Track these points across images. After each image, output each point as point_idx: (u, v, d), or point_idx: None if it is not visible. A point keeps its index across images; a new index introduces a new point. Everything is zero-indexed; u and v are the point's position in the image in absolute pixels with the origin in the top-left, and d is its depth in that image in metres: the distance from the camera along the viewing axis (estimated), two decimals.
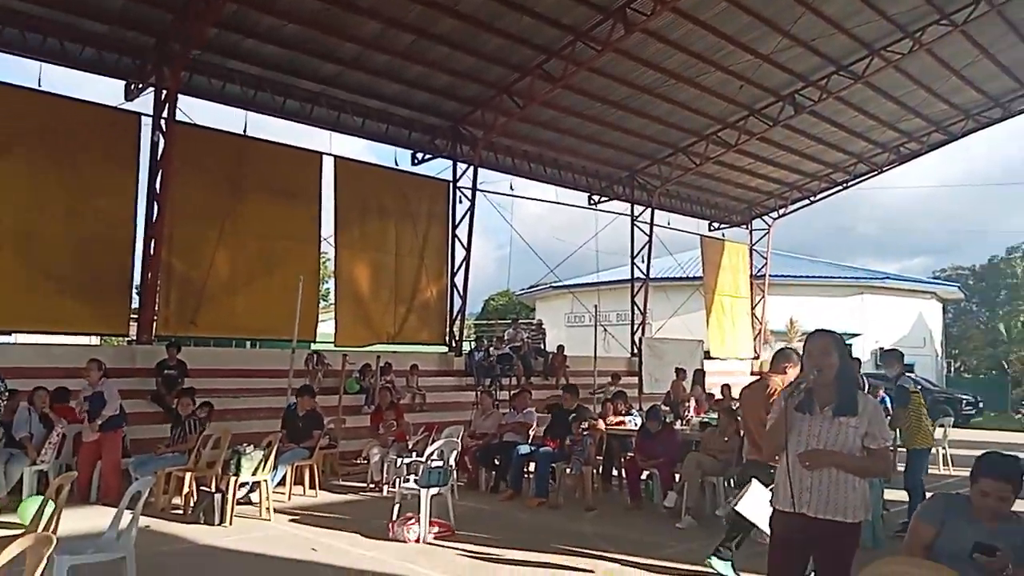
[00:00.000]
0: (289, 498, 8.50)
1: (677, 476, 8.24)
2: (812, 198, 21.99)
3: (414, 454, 8.92)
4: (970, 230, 64.80)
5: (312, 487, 8.89)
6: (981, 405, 21.45)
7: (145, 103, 11.60)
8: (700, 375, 14.61)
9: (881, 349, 13.43)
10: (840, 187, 21.57)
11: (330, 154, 13.74)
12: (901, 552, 3.54)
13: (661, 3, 12.00)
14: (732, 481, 7.76)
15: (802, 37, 13.99)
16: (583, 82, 14.35)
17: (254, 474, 7.55)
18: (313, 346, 13.67)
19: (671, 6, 12.14)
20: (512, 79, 14.00)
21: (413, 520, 6.83)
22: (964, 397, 20.94)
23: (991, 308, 36.19)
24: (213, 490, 7.43)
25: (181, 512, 7.62)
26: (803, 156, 19.39)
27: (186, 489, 7.71)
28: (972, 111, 18.46)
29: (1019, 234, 62.42)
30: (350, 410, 12.01)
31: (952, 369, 33.00)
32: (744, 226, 22.92)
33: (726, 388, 12.45)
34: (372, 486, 9.36)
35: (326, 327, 16.33)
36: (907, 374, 8.04)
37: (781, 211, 22.52)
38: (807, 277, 27.81)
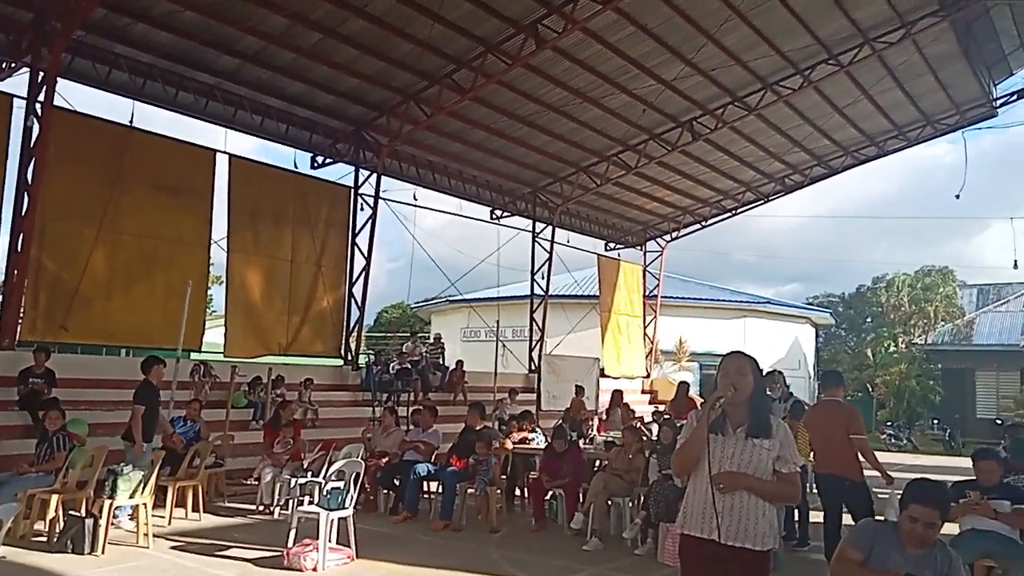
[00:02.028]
0: (170, 522, 7.82)
1: (583, 496, 8.16)
2: (704, 223, 22.78)
3: (310, 474, 8.46)
4: (838, 260, 69.54)
5: (196, 509, 8.24)
6: None
7: (18, 84, 10.58)
8: (619, 395, 14.49)
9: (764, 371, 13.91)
10: (729, 214, 22.45)
11: (224, 152, 12.97)
12: (831, 573, 3.54)
13: (572, 22, 12.09)
14: (639, 501, 7.76)
15: (702, 66, 14.46)
16: (492, 95, 14.26)
17: (132, 496, 6.88)
18: (198, 356, 12.80)
19: (581, 25, 12.26)
20: (420, 87, 13.72)
21: (311, 546, 6.39)
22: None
23: (858, 334, 38.79)
24: (83, 514, 6.71)
25: (45, 540, 6.82)
26: (697, 182, 20.06)
27: (51, 514, 6.93)
28: (850, 148, 19.67)
29: (883, 265, 67.36)
30: (237, 425, 11.31)
31: (823, 390, 35.05)
32: (639, 247, 23.47)
33: (617, 393, 12.58)
34: (262, 508, 8.77)
35: (212, 336, 15.41)
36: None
37: (674, 234, 23.22)
38: (695, 299, 28.77)
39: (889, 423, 25.35)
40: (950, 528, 5.29)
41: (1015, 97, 18.14)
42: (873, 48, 14.51)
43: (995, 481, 5.67)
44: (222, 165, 12.83)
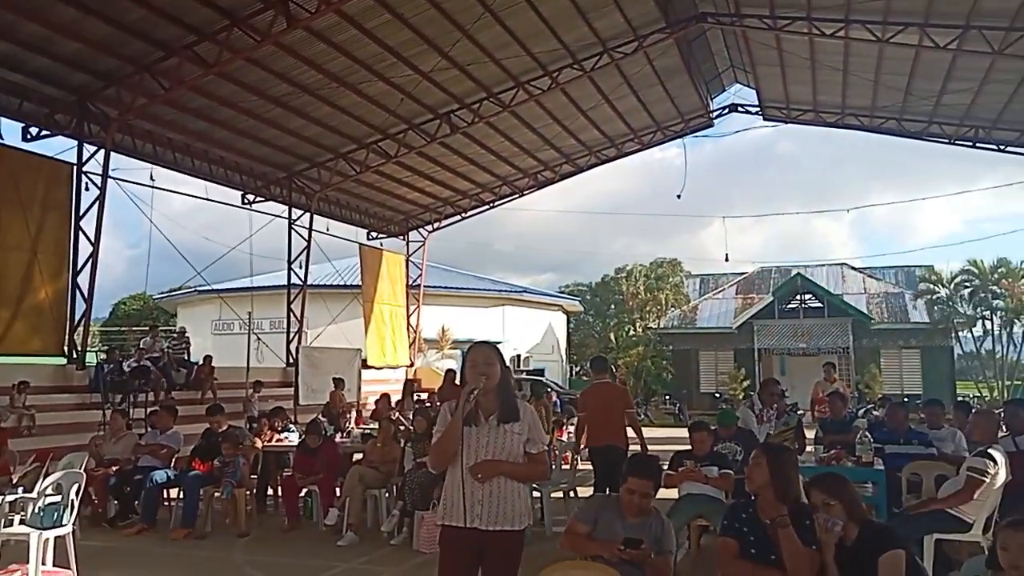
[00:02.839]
0: None
1: (339, 491, 7.99)
2: (464, 214, 23.32)
3: (21, 489, 7.39)
4: (587, 251, 75.10)
5: None
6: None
7: None
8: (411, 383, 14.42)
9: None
10: (487, 206, 23.21)
11: None
12: (560, 547, 3.78)
13: (326, 3, 11.67)
14: (395, 490, 7.77)
15: (459, 60, 14.72)
16: (240, 72, 13.36)
17: None
18: None
19: (335, 7, 11.85)
20: (156, 57, 12.44)
21: (19, 572, 5.59)
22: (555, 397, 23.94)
23: (603, 320, 42.07)
24: None
25: None
26: (456, 174, 20.47)
27: None
28: (594, 148, 21.23)
29: (623, 256, 74.02)
30: None
31: (574, 372, 37.64)
32: (401, 237, 23.47)
33: (385, 397, 12.50)
34: None
35: None
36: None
37: (436, 225, 23.51)
38: (456, 288, 29.48)
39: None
40: (673, 494, 5.95)
41: (727, 110, 20.75)
42: (611, 57, 15.73)
43: (707, 450, 6.45)
44: None
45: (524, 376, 23.96)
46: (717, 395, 28.24)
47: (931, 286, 28.65)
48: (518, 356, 29.49)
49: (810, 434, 8.82)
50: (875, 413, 15.12)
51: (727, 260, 26.74)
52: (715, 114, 20.83)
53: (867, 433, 6.85)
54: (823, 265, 33.97)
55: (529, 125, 18.29)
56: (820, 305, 29.68)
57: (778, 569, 3.28)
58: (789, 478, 3.46)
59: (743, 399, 25.10)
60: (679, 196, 20.57)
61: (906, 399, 18.97)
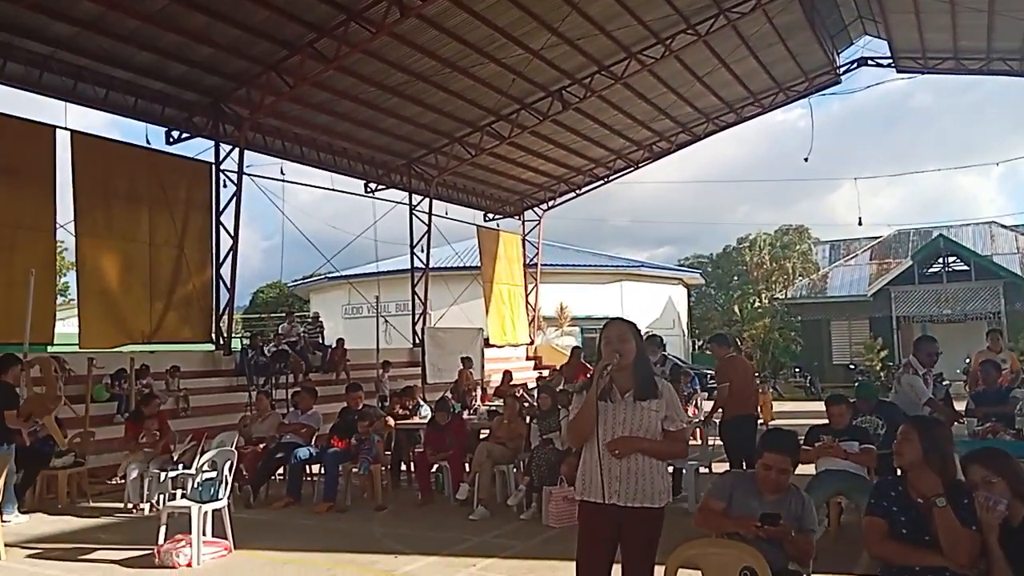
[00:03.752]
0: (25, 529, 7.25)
1: (468, 467, 8.20)
2: (577, 191, 23.19)
3: (181, 466, 8.05)
4: (706, 222, 72.94)
5: (54, 513, 7.68)
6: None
7: None
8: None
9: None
10: (602, 181, 22.96)
11: (65, 128, 11.91)
12: (695, 524, 3.71)
13: None
14: (523, 466, 7.88)
15: (568, 36, 14.57)
16: (357, 65, 13.82)
17: None
18: (52, 349, 11.84)
19: None
20: (280, 56, 13.08)
21: (183, 542, 6.09)
22: (709, 372, 23.37)
23: (726, 292, 40.87)
24: None
25: None
26: (569, 151, 20.35)
27: None
28: (712, 115, 20.50)
29: (746, 226, 71.39)
30: (99, 420, 10.61)
31: (695, 347, 36.84)
32: (517, 217, 23.64)
33: (508, 374, 12.69)
34: (131, 507, 8.27)
35: (65, 326, 14.32)
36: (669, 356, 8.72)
37: (550, 203, 23.51)
38: (573, 266, 29.42)
39: (757, 374, 27.02)
40: (808, 470, 5.71)
41: (855, 65, 19.46)
42: (727, 18, 15.08)
43: (845, 424, 6.13)
44: (64, 143, 11.80)
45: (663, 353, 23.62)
46: (851, 366, 26.81)
47: None
48: (652, 336, 29.11)
49: (959, 407, 8.23)
50: None
51: (860, 224, 25.16)
52: (842, 70, 19.60)
53: None
54: (968, 224, 31.45)
55: (642, 96, 17.88)
56: (966, 268, 27.53)
57: (933, 551, 3.07)
58: (944, 453, 3.22)
59: (881, 370, 23.74)
60: (806, 159, 19.55)
61: None
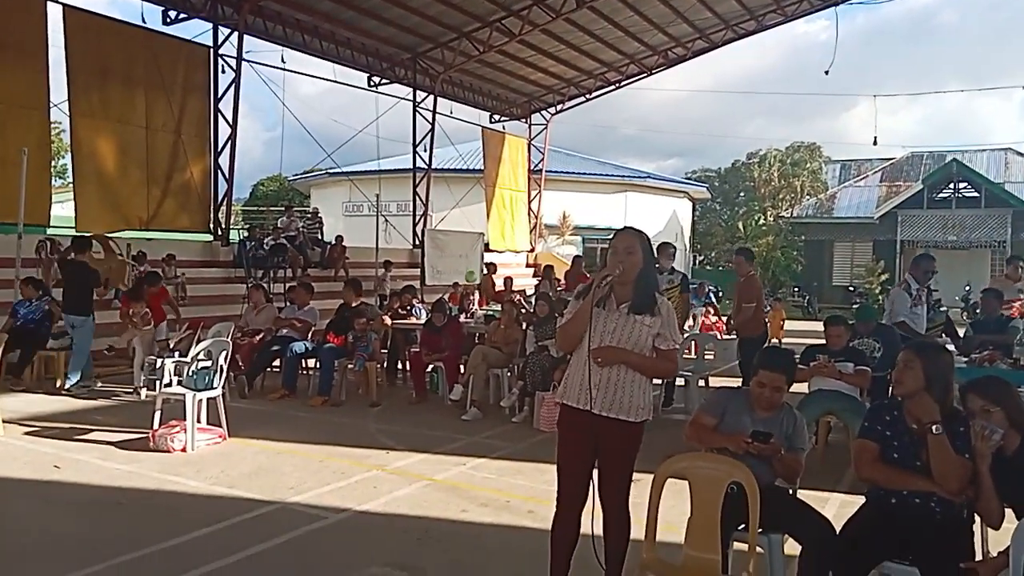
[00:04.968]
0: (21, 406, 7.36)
1: (463, 369, 8.25)
2: (588, 95, 22.54)
3: (177, 354, 8.09)
4: (717, 135, 71.58)
5: (52, 393, 7.78)
6: (720, 294, 24.20)
7: None
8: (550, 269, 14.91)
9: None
10: (613, 87, 22.29)
11: (57, 1, 11.42)
12: (685, 439, 3.70)
13: None
14: (517, 370, 7.93)
15: None
16: None
17: None
18: (49, 232, 11.75)
19: None
20: None
21: (179, 427, 6.17)
22: (710, 287, 23.39)
23: (732, 208, 40.51)
24: None
25: None
26: (581, 52, 19.64)
27: None
28: (731, 21, 19.65)
29: (757, 141, 69.98)
30: (97, 304, 10.60)
31: (697, 262, 36.82)
32: (523, 120, 23.09)
33: (508, 280, 12.67)
34: (132, 391, 8.36)
35: (63, 210, 14.20)
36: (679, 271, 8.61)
37: (559, 107, 22.91)
38: (578, 174, 28.99)
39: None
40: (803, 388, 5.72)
41: None
42: None
43: (842, 345, 6.11)
44: (56, 18, 11.33)
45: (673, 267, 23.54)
46: (851, 288, 26.88)
47: None
48: (666, 244, 28.97)
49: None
50: None
51: (875, 144, 24.60)
52: None
53: None
54: (984, 150, 30.85)
55: None
56: (976, 195, 27.18)
57: (923, 476, 3.06)
58: (947, 382, 3.17)
59: (880, 292, 23.77)
60: (827, 72, 18.82)
61: None
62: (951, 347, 7.44)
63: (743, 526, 3.15)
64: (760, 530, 3.12)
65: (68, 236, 11.52)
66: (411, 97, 18.87)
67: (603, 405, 3.22)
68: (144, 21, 13.03)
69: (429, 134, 19.30)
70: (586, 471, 3.31)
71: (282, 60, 15.48)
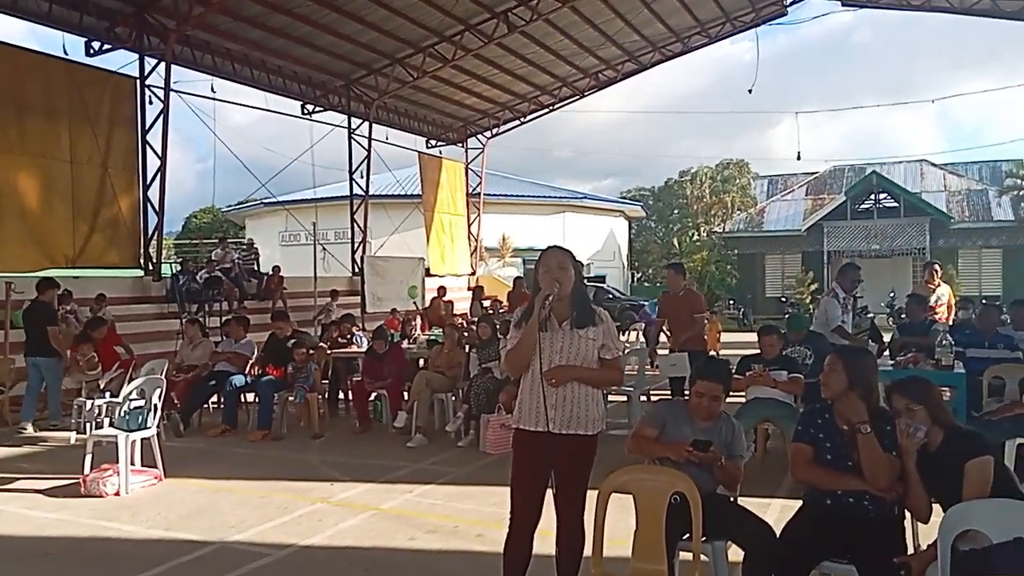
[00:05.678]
0: None
1: (406, 395, 8.18)
2: (523, 119, 22.79)
3: (108, 394, 7.82)
4: (649, 155, 73.26)
5: None
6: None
7: None
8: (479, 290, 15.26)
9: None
10: (547, 110, 22.59)
11: None
12: (627, 451, 3.75)
13: None
14: (461, 394, 7.90)
15: None
16: None
17: None
18: None
19: None
20: None
21: (111, 471, 5.94)
22: (645, 303, 23.77)
23: (667, 225, 41.29)
24: None
25: None
26: (515, 76, 19.89)
27: None
28: (658, 44, 20.21)
29: (687, 159, 71.83)
30: (19, 348, 10.15)
31: (635, 279, 37.39)
32: (460, 144, 23.19)
33: (449, 304, 12.66)
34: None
35: None
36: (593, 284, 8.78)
37: (494, 130, 23.08)
38: (516, 196, 29.24)
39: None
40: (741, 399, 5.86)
41: None
42: None
43: (775, 354, 6.29)
44: None
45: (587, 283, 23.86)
46: (783, 299, 27.70)
47: (1019, 181, 27.00)
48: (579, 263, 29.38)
49: (886, 338, 8.55)
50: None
51: (799, 159, 25.48)
52: (788, 1, 19.50)
53: (948, 336, 6.55)
54: (901, 162, 32.34)
55: (590, 21, 17.46)
56: (896, 205, 28.43)
57: (855, 476, 3.17)
58: (870, 383, 3.30)
59: (811, 303, 24.55)
60: (750, 91, 19.55)
61: (983, 301, 18.23)
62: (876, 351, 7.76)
63: (687, 535, 3.20)
64: (704, 538, 3.17)
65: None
66: (346, 124, 18.77)
67: (561, 423, 3.26)
68: (66, 53, 12.66)
69: (365, 161, 19.19)
70: (541, 490, 3.33)
71: (212, 89, 15.22)
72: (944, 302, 9.26)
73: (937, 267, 9.82)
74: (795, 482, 3.47)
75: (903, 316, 9.04)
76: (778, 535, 3.30)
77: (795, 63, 76.14)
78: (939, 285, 9.40)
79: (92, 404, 7.48)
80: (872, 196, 29.14)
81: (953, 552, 2.73)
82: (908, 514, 3.23)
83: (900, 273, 26.86)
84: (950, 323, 8.44)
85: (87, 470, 6.00)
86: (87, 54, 13.02)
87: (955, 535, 2.74)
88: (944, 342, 6.36)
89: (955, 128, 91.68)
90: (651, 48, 20.25)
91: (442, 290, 15.79)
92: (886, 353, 7.66)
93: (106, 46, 13.09)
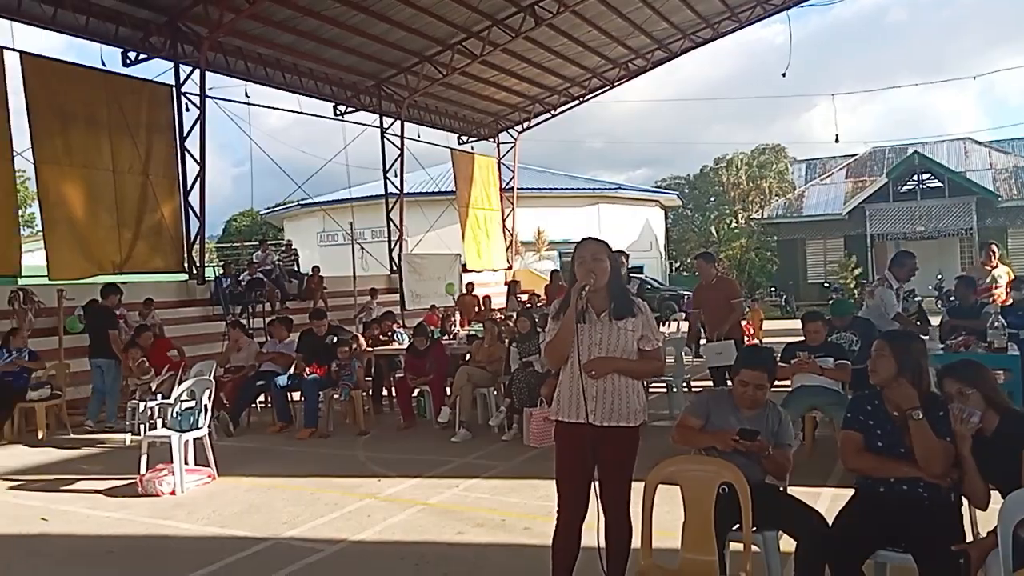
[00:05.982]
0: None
1: (449, 391, 8.25)
2: (553, 112, 22.72)
3: (159, 396, 8.02)
4: (683, 142, 72.51)
5: (34, 445, 7.66)
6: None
7: None
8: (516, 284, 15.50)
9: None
10: (577, 101, 22.48)
11: (13, 49, 11.33)
12: (672, 441, 3.74)
13: None
14: (503, 388, 7.94)
15: None
16: None
17: None
18: (22, 282, 11.59)
19: None
20: None
21: (166, 470, 6.10)
22: (686, 293, 23.56)
23: (703, 213, 40.84)
24: None
25: None
26: (544, 69, 19.83)
27: None
28: (688, 31, 19.94)
29: (723, 146, 70.89)
30: (74, 352, 10.47)
31: (673, 269, 37.07)
32: (491, 139, 23.21)
33: (487, 299, 12.71)
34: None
35: (33, 258, 14.04)
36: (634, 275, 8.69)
37: (525, 124, 23.05)
38: (549, 189, 29.20)
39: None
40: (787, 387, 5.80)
41: None
42: None
43: (821, 340, 6.18)
44: (14, 66, 11.24)
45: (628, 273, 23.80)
46: (826, 285, 27.22)
47: None
48: (619, 252, 29.25)
49: (934, 322, 8.36)
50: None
51: (837, 141, 25.01)
52: None
53: (1000, 318, 6.38)
54: (943, 141, 31.52)
55: (617, 10, 17.30)
56: (940, 184, 27.73)
57: (907, 462, 3.12)
58: (919, 368, 3.24)
59: (855, 287, 24.09)
60: (784, 74, 19.22)
61: None
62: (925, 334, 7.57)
63: (737, 526, 3.18)
64: (754, 528, 3.15)
65: (41, 285, 11.45)
66: (378, 124, 18.93)
67: (602, 415, 3.25)
68: (104, 64, 12.99)
69: (399, 159, 19.34)
70: (587, 482, 3.32)
71: (246, 94, 15.49)
72: (1004, 283, 8.98)
73: (995, 247, 9.54)
74: (846, 470, 3.42)
75: (952, 299, 8.83)
76: (830, 524, 3.26)
77: (829, 45, 74.75)
78: (996, 266, 9.11)
79: (145, 406, 7.70)
80: (915, 176, 28.47)
81: (1015, 539, 2.67)
82: (966, 501, 3.16)
83: (947, 255, 26.22)
84: (1008, 304, 8.19)
85: (143, 470, 6.16)
86: (124, 64, 13.37)
87: (1016, 522, 2.68)
88: (996, 324, 6.21)
89: (999, 104, 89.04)
90: (680, 35, 19.99)
91: (470, 286, 15.83)
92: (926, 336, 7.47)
93: (142, 56, 13.42)
